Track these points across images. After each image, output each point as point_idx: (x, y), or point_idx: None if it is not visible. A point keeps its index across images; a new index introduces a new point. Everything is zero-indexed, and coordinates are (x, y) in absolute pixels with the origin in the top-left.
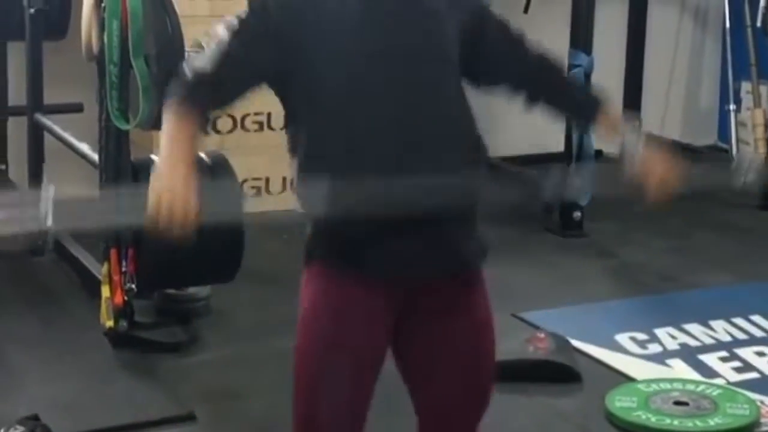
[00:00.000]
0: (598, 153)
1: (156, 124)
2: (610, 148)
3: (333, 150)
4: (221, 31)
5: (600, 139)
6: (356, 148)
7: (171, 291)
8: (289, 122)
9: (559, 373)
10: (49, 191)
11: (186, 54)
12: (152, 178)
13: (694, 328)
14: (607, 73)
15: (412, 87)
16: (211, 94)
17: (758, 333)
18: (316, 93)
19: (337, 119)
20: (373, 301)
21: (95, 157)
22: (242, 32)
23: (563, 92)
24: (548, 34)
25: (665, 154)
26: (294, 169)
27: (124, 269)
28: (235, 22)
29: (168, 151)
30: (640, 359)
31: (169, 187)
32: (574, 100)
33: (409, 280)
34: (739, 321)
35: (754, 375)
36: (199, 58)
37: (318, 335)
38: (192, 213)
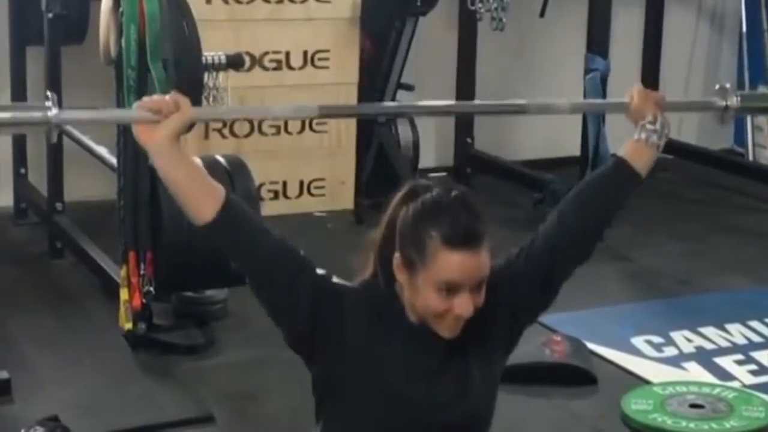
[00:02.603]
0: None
1: None
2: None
3: None
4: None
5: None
6: None
7: (189, 294)
8: (313, 386)
9: (575, 375)
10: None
11: (203, 58)
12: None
13: (709, 331)
14: (623, 76)
15: None
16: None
17: None
18: (337, 408)
19: None
20: None
21: (113, 161)
22: (293, 256)
23: (605, 193)
24: (565, 38)
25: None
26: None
27: (142, 272)
28: (301, 255)
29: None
30: (655, 362)
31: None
32: (612, 183)
33: None
34: (754, 324)
35: None
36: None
37: None
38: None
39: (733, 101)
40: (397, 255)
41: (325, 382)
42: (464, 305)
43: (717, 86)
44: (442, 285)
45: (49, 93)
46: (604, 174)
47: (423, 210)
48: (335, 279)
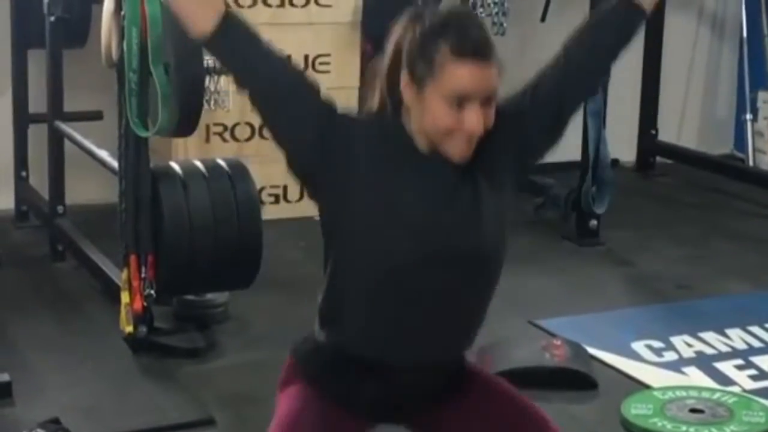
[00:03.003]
0: (615, 162)
1: (175, 132)
2: (626, 157)
3: (353, 300)
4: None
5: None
6: (373, 314)
7: (190, 297)
8: (321, 223)
9: (575, 380)
10: None
11: (205, 62)
12: None
13: (709, 336)
14: (624, 81)
15: (446, 285)
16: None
17: None
18: (347, 235)
19: (364, 273)
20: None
21: (115, 164)
22: (302, 79)
23: (612, 29)
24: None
25: None
26: (325, 274)
27: (143, 275)
28: (309, 77)
29: None
30: (655, 367)
31: None
32: (619, 19)
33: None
34: (754, 329)
35: None
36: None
37: None
38: None
39: None
40: (404, 73)
41: (332, 215)
42: (474, 120)
43: None
44: (452, 97)
45: None
46: (610, 11)
47: (431, 26)
48: (342, 109)
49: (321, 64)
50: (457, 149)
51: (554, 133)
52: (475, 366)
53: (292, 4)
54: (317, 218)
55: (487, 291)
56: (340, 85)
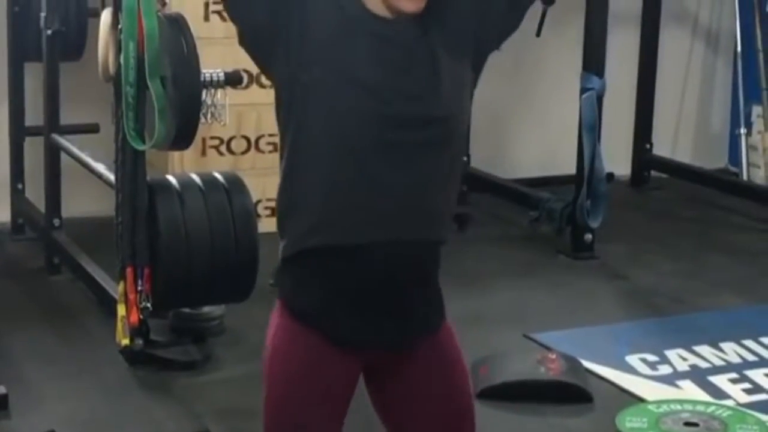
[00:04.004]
0: (610, 176)
1: (172, 145)
2: (621, 170)
3: (314, 179)
4: None
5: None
6: (335, 188)
7: (186, 310)
8: (277, 106)
9: (571, 393)
10: None
11: (202, 75)
12: None
13: (704, 349)
14: (619, 96)
15: (406, 149)
16: None
17: None
18: (301, 96)
19: (324, 143)
20: (339, 356)
21: (111, 177)
22: None
23: None
24: (561, 57)
25: None
26: (280, 171)
27: (139, 288)
28: None
29: None
30: (650, 380)
31: None
32: None
33: (375, 350)
34: (749, 343)
35: (763, 396)
36: None
37: (286, 378)
38: None
39: None
40: None
41: (289, 86)
42: None
43: None
44: None
45: None
46: None
47: None
48: None
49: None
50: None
51: (512, 14)
52: (449, 329)
53: None
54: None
55: (449, 161)
56: None
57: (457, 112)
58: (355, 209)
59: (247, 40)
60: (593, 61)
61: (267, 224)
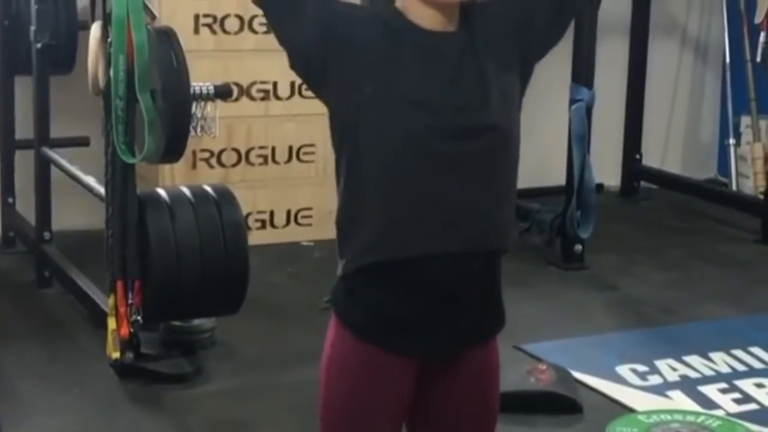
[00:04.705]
0: (599, 186)
1: (162, 158)
2: (611, 181)
3: (373, 195)
4: None
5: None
6: (394, 203)
7: (176, 323)
8: (332, 130)
9: (561, 404)
10: None
11: (191, 88)
12: None
13: (694, 359)
14: (608, 107)
15: (461, 160)
16: None
17: (757, 365)
18: (355, 122)
19: (380, 160)
20: (398, 369)
21: (101, 190)
22: None
23: None
24: (550, 69)
25: None
26: (338, 194)
27: (130, 301)
28: None
29: None
30: (640, 390)
31: None
32: None
33: (437, 357)
34: (738, 353)
35: (753, 406)
36: None
37: (345, 395)
38: None
39: None
40: None
41: (342, 107)
42: None
43: None
44: None
45: None
46: None
47: None
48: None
49: (307, 90)
50: None
51: (558, 23)
52: (496, 349)
53: None
54: (304, 243)
55: (502, 170)
56: (326, 111)
57: (507, 122)
58: (411, 223)
59: (297, 64)
60: (582, 73)
61: (257, 237)
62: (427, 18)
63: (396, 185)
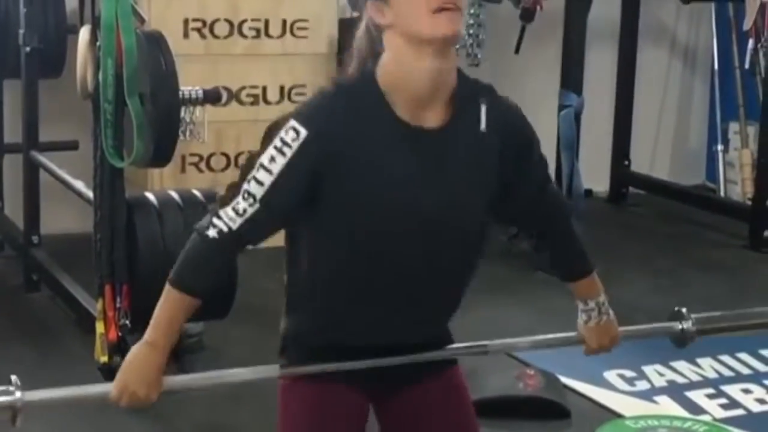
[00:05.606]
0: (588, 192)
1: (150, 162)
2: (599, 187)
3: (337, 287)
4: (259, 174)
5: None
6: (361, 296)
7: None
8: (291, 242)
9: (549, 409)
10: None
11: (180, 92)
12: (123, 365)
13: (681, 365)
14: (597, 113)
15: (433, 258)
16: (228, 257)
17: (744, 370)
18: (336, 229)
19: (350, 260)
20: (353, 400)
21: (90, 194)
22: (278, 183)
23: (566, 244)
24: (539, 75)
25: (612, 329)
26: (294, 288)
27: (118, 305)
28: (275, 164)
29: (152, 336)
30: (628, 396)
31: (132, 388)
32: (571, 254)
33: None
34: (725, 358)
35: (740, 412)
36: (226, 211)
37: None
38: (151, 400)
39: (689, 325)
40: (368, 4)
41: (327, 217)
42: None
43: (675, 309)
44: None
45: (13, 377)
46: (579, 243)
47: None
48: (313, 120)
49: (296, 95)
50: (446, 22)
51: (517, 208)
52: (461, 377)
53: (268, 35)
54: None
55: (466, 270)
56: None
57: (477, 224)
58: (363, 321)
59: (286, 224)
60: (571, 79)
61: None
62: (408, 111)
63: (357, 283)
